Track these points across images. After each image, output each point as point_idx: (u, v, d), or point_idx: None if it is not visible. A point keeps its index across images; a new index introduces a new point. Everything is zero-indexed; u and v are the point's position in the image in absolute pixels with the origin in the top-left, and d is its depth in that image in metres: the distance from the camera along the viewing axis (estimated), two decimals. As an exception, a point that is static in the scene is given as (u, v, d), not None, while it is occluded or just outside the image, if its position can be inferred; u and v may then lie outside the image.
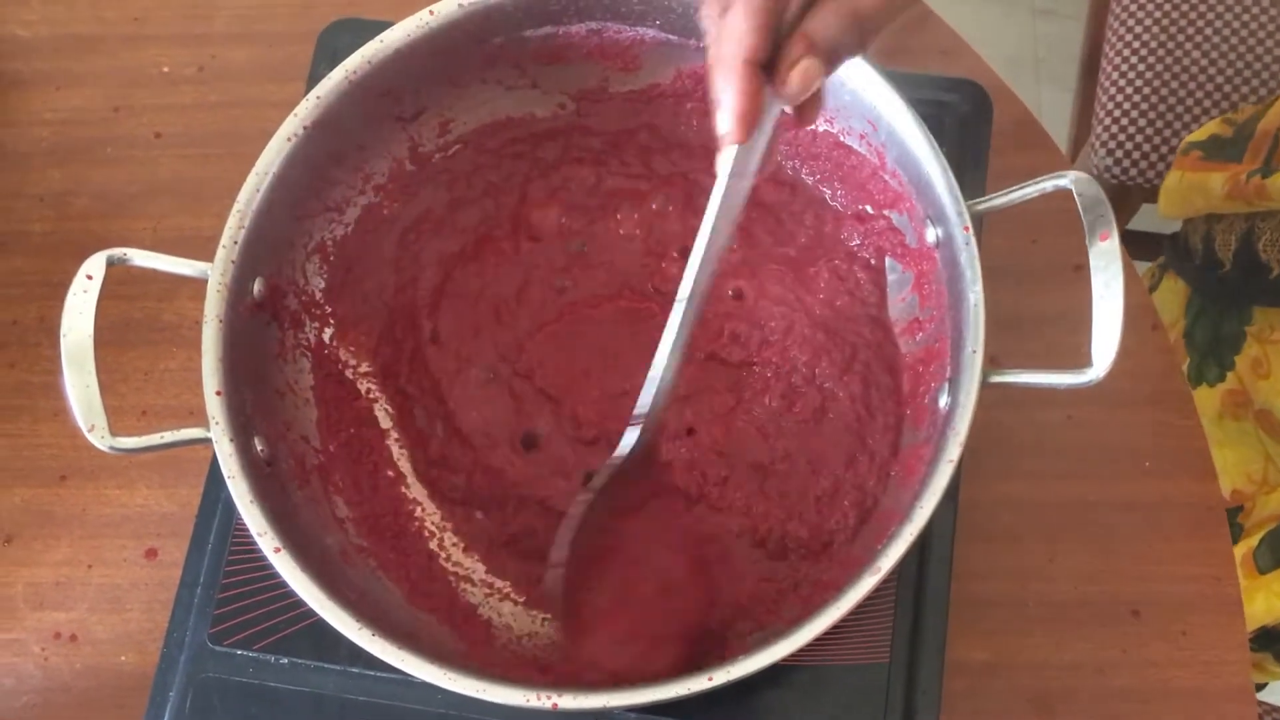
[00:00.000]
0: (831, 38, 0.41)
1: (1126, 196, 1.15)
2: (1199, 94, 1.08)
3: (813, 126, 0.59)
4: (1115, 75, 1.11)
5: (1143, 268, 1.30)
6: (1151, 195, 1.12)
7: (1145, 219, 1.21)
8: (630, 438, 0.53)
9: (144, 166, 0.75)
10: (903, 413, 0.58)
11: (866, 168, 0.57)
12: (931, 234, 0.53)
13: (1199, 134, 0.97)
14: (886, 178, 0.56)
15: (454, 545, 0.60)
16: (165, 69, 0.77)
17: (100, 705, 0.64)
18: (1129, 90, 1.09)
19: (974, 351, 0.48)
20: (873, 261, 0.60)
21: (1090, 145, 1.13)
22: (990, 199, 0.51)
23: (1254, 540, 0.80)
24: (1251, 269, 0.81)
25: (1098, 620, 0.63)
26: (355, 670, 0.58)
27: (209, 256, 0.71)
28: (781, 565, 0.58)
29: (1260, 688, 1.04)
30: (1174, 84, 1.08)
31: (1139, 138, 1.08)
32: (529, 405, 0.63)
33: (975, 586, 0.63)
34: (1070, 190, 0.49)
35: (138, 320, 0.71)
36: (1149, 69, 1.09)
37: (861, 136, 0.56)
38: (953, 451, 0.47)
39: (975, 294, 0.49)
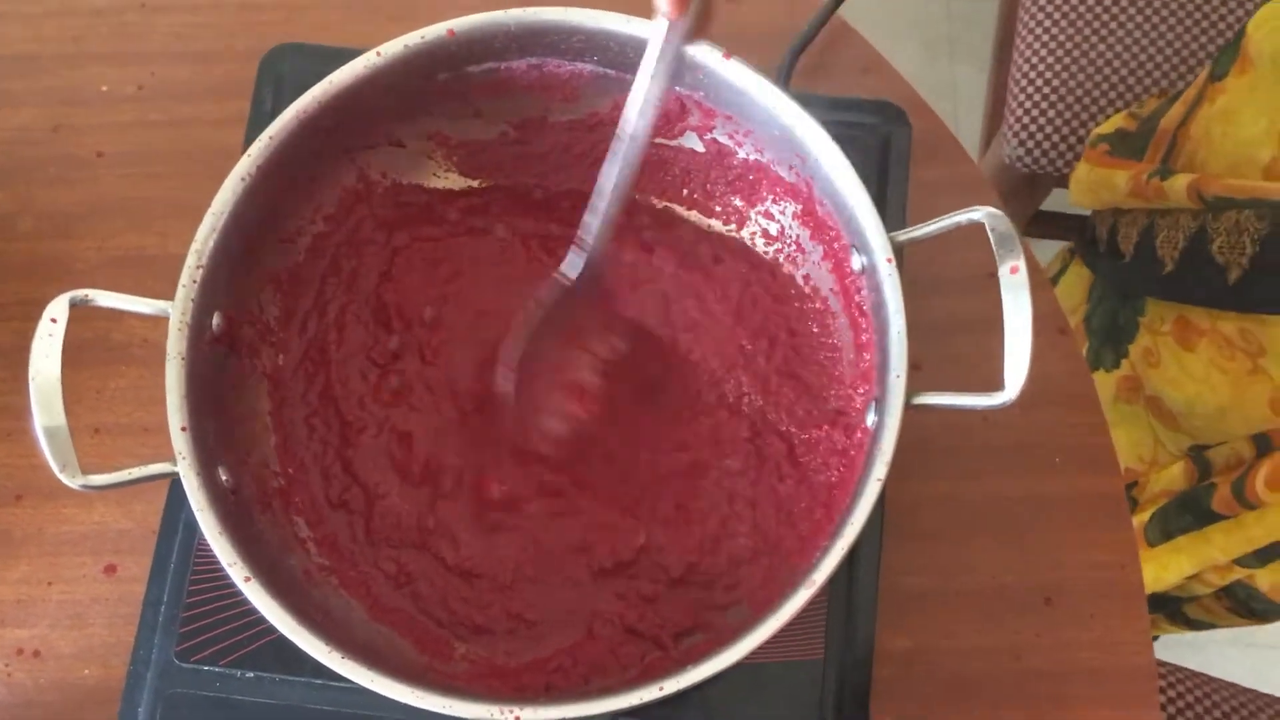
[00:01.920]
0: None
1: (1038, 182, 1.20)
2: (1104, 86, 1.13)
3: (744, 155, 0.62)
4: (1026, 67, 1.15)
5: (1052, 247, 1.37)
6: (1063, 181, 1.17)
7: (1058, 199, 1.27)
8: (577, 260, 0.58)
9: (87, 186, 0.76)
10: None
11: (799, 196, 0.61)
12: (857, 261, 0.57)
13: (1105, 127, 1.02)
14: (815, 206, 0.59)
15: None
16: (104, 88, 0.77)
17: (65, 719, 0.67)
18: (1039, 82, 1.14)
19: (898, 376, 0.52)
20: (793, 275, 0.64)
21: (1002, 135, 1.18)
22: (910, 231, 0.54)
23: (1144, 516, 0.86)
24: (1148, 262, 0.86)
25: (1014, 608, 0.68)
26: (319, 682, 0.60)
27: (155, 275, 0.74)
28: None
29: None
30: (1081, 76, 1.13)
31: (1049, 128, 1.13)
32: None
33: (901, 581, 0.67)
34: (983, 224, 0.53)
35: (88, 340, 0.72)
36: (1057, 61, 1.14)
37: (790, 167, 0.60)
38: (880, 470, 0.51)
39: (898, 323, 0.53)
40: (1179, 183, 0.81)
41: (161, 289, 0.71)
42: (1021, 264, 0.51)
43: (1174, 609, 0.96)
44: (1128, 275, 0.90)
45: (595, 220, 0.57)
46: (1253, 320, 0.79)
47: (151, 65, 0.78)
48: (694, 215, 0.67)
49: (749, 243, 0.66)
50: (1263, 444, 0.81)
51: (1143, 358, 0.89)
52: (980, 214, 0.53)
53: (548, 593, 0.62)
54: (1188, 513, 0.83)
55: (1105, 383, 0.94)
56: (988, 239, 0.52)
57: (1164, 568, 0.85)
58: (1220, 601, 0.92)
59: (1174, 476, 0.87)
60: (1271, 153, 0.77)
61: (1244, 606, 0.92)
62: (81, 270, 0.74)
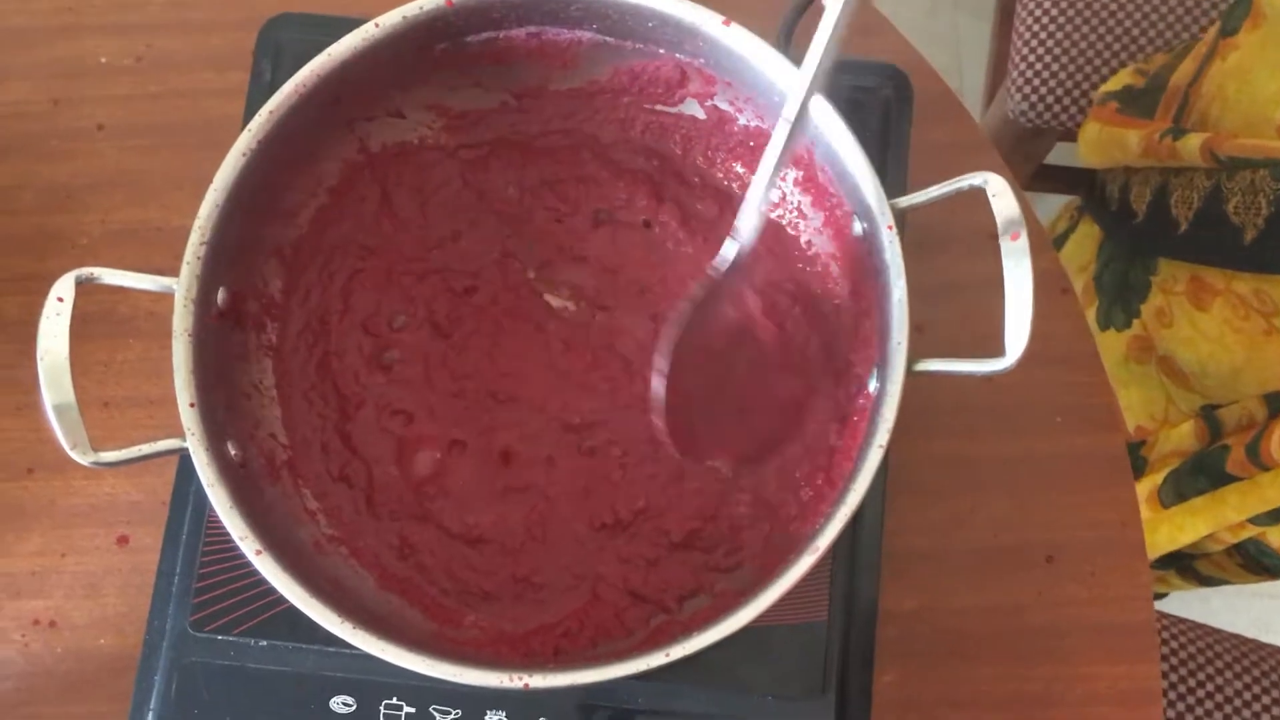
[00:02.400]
0: None
1: (1042, 136, 1.20)
2: (1109, 38, 1.12)
3: (745, 122, 0.62)
4: (1030, 20, 1.14)
5: (1056, 201, 1.36)
6: (1068, 135, 1.17)
7: (1062, 153, 1.26)
8: (729, 250, 0.56)
9: (88, 159, 0.76)
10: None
11: (800, 162, 0.61)
12: (858, 227, 0.57)
13: (1112, 83, 1.01)
14: (816, 173, 0.59)
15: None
16: (103, 59, 0.77)
17: (82, 687, 0.68)
18: (1043, 35, 1.13)
19: (899, 344, 0.52)
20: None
21: (1006, 89, 1.17)
22: (912, 197, 0.54)
23: (1158, 478, 0.87)
24: (1162, 222, 0.86)
25: (1015, 566, 0.68)
26: (332, 649, 0.61)
27: (158, 247, 0.74)
28: None
29: (1160, 597, 1.12)
30: (1085, 29, 1.12)
31: (1052, 82, 1.13)
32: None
33: (903, 540, 0.68)
34: (984, 189, 0.53)
35: (95, 314, 0.73)
36: (1062, 14, 1.13)
37: (791, 134, 0.60)
38: (882, 437, 0.51)
39: (899, 289, 0.53)
40: (1192, 142, 0.80)
41: (165, 262, 0.73)
42: (1023, 230, 0.51)
43: (1185, 564, 0.97)
44: (1140, 235, 0.90)
45: (751, 208, 0.55)
46: (1268, 280, 0.79)
47: (149, 36, 0.78)
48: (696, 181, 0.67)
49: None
50: (1275, 403, 0.81)
51: (1155, 317, 0.89)
52: (981, 179, 0.53)
53: (552, 556, 0.62)
54: (1202, 475, 0.84)
55: (1116, 342, 0.94)
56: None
57: (1179, 529, 0.86)
58: (1231, 558, 0.93)
59: (1183, 435, 0.87)
60: None
61: (1255, 563, 0.92)
62: (85, 244, 0.74)
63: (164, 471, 0.69)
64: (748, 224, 0.56)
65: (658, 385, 0.56)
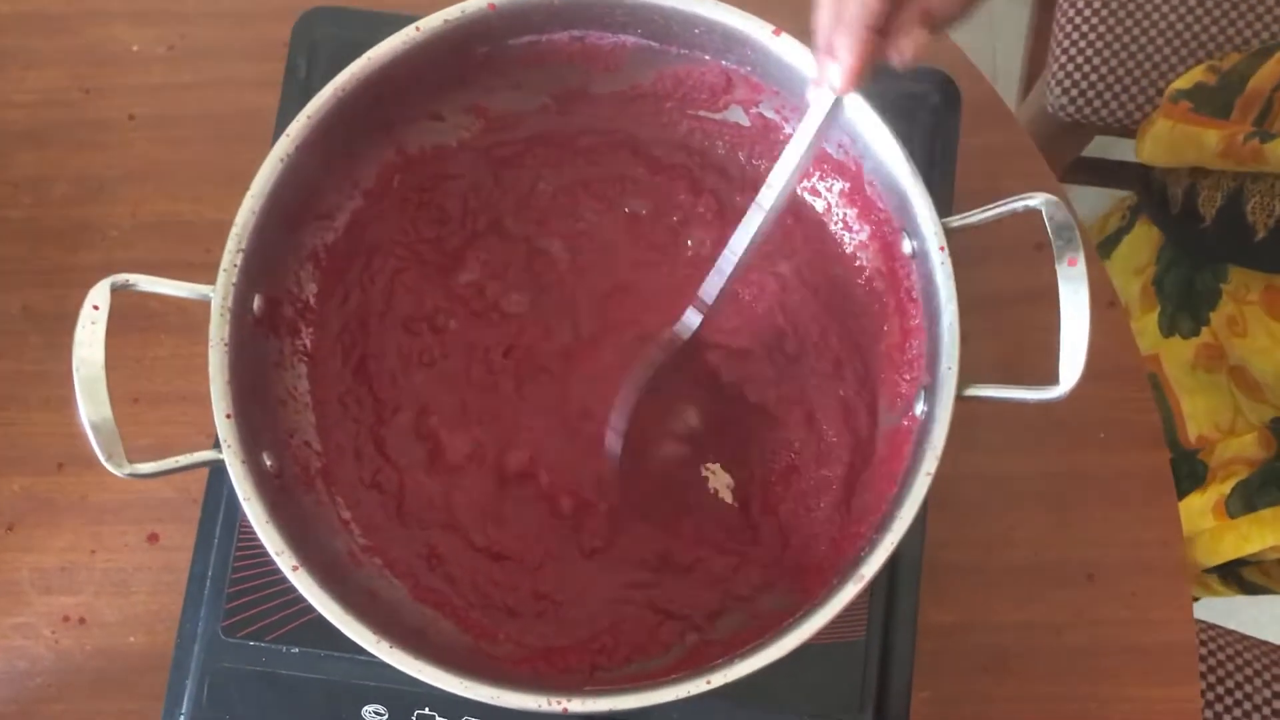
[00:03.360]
0: (945, 10, 0.47)
1: (1081, 130, 1.18)
2: (1152, 32, 1.09)
3: (790, 131, 0.60)
4: (1071, 11, 1.12)
5: (1091, 194, 1.34)
6: (1106, 130, 1.14)
7: (1098, 144, 1.24)
8: (693, 319, 0.58)
9: (119, 150, 0.75)
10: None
11: (847, 174, 0.59)
12: (908, 245, 0.56)
13: (1183, 81, 0.98)
14: (864, 186, 0.58)
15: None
16: (135, 48, 0.76)
17: (112, 685, 0.68)
18: (1085, 29, 1.10)
19: (949, 368, 0.51)
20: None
21: (1045, 82, 1.15)
22: (965, 217, 0.53)
23: (1224, 487, 0.84)
24: (1235, 229, 0.83)
25: (1055, 584, 0.67)
26: (364, 658, 0.60)
27: (190, 241, 0.73)
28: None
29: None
30: (1129, 22, 1.10)
31: (1094, 77, 1.10)
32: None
33: (942, 555, 0.67)
34: (1039, 210, 0.51)
35: (126, 308, 0.70)
36: (1105, 5, 1.10)
37: (839, 145, 0.58)
38: (930, 464, 0.50)
39: (950, 312, 0.52)
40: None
41: (195, 255, 0.72)
42: (1080, 256, 0.50)
43: (1228, 570, 0.95)
44: (1208, 240, 0.87)
45: (718, 283, 0.57)
46: None
47: (182, 25, 0.76)
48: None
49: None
50: None
51: (1227, 326, 0.86)
52: (1038, 201, 0.51)
53: (571, 575, 0.62)
54: (1274, 486, 0.82)
55: (1182, 349, 0.92)
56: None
57: (1245, 539, 0.84)
58: (1272, 574, 0.91)
59: (1246, 444, 0.85)
60: None
61: None
62: (116, 237, 0.73)
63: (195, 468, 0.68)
64: (711, 291, 0.57)
65: (613, 443, 0.59)
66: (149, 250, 0.73)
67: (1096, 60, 1.10)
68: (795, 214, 0.64)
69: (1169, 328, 0.92)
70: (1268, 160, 0.78)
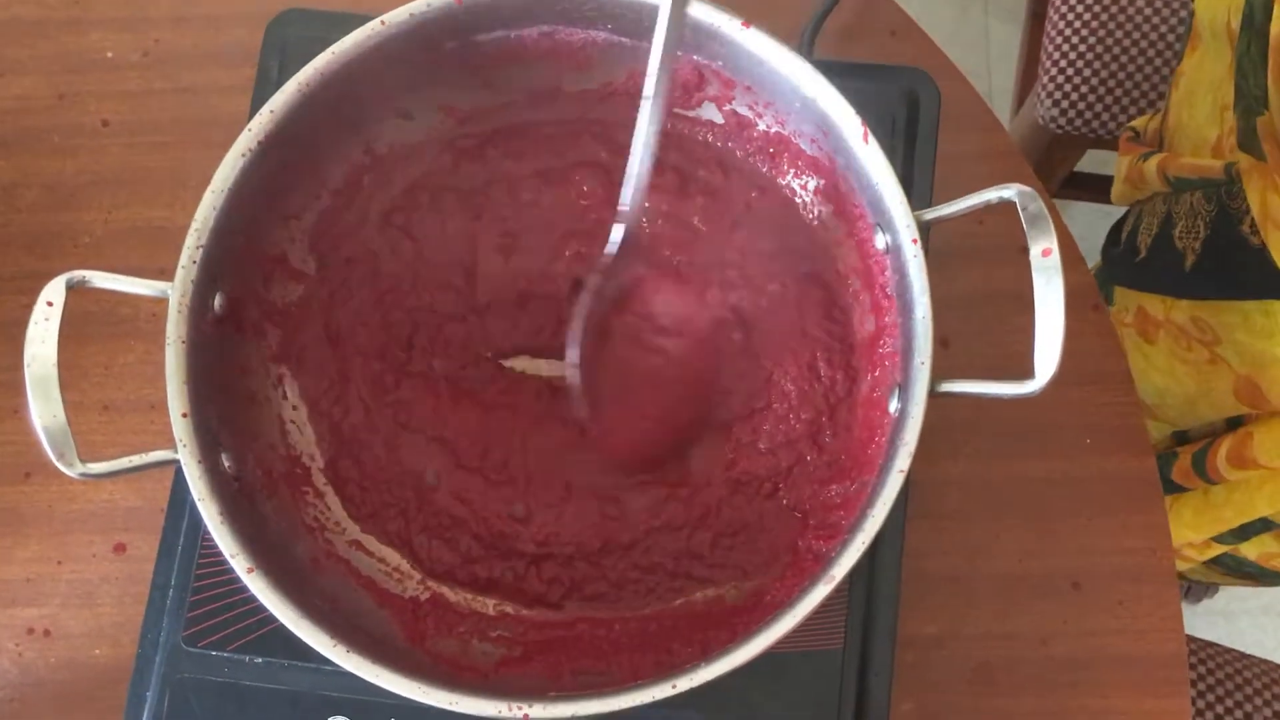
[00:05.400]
0: None
1: (1072, 143, 1.17)
2: (1142, 44, 1.09)
3: (764, 127, 0.59)
4: (1061, 24, 1.11)
5: (1086, 210, 1.33)
6: (1098, 143, 1.14)
7: (1093, 160, 1.23)
8: (617, 234, 0.56)
9: (92, 156, 0.74)
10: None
11: (821, 170, 0.58)
12: (881, 240, 0.55)
13: (1140, 120, 0.98)
14: (839, 181, 0.57)
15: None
16: (109, 54, 0.76)
17: (76, 698, 0.66)
18: (1074, 40, 1.10)
19: (922, 364, 0.50)
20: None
21: (1036, 94, 1.14)
22: (938, 209, 0.52)
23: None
24: (1167, 258, 0.80)
25: (1040, 593, 0.66)
26: (329, 668, 0.58)
27: (162, 247, 0.72)
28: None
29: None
30: (1119, 34, 1.09)
31: (1084, 88, 1.10)
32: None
33: (923, 564, 0.65)
34: (1014, 202, 0.50)
35: (95, 314, 0.71)
36: (1094, 18, 1.10)
37: (812, 140, 0.57)
38: (903, 462, 0.49)
39: (923, 305, 0.50)
40: (1151, 165, 0.78)
41: (169, 262, 0.69)
42: (1054, 246, 0.49)
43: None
44: (1148, 274, 0.86)
45: (629, 189, 0.55)
46: (1204, 308, 0.75)
47: (156, 31, 0.76)
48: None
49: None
50: (1237, 426, 0.78)
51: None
52: (1011, 191, 0.50)
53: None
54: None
55: None
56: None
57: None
58: (1213, 570, 0.90)
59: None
60: (1217, 130, 0.73)
61: (1239, 572, 0.90)
62: (87, 243, 0.72)
63: (164, 478, 0.67)
64: (630, 199, 0.56)
65: (572, 376, 0.57)
66: (121, 257, 0.72)
67: (1087, 71, 1.09)
68: (775, 216, 0.63)
69: None
70: (1147, 180, 0.78)
